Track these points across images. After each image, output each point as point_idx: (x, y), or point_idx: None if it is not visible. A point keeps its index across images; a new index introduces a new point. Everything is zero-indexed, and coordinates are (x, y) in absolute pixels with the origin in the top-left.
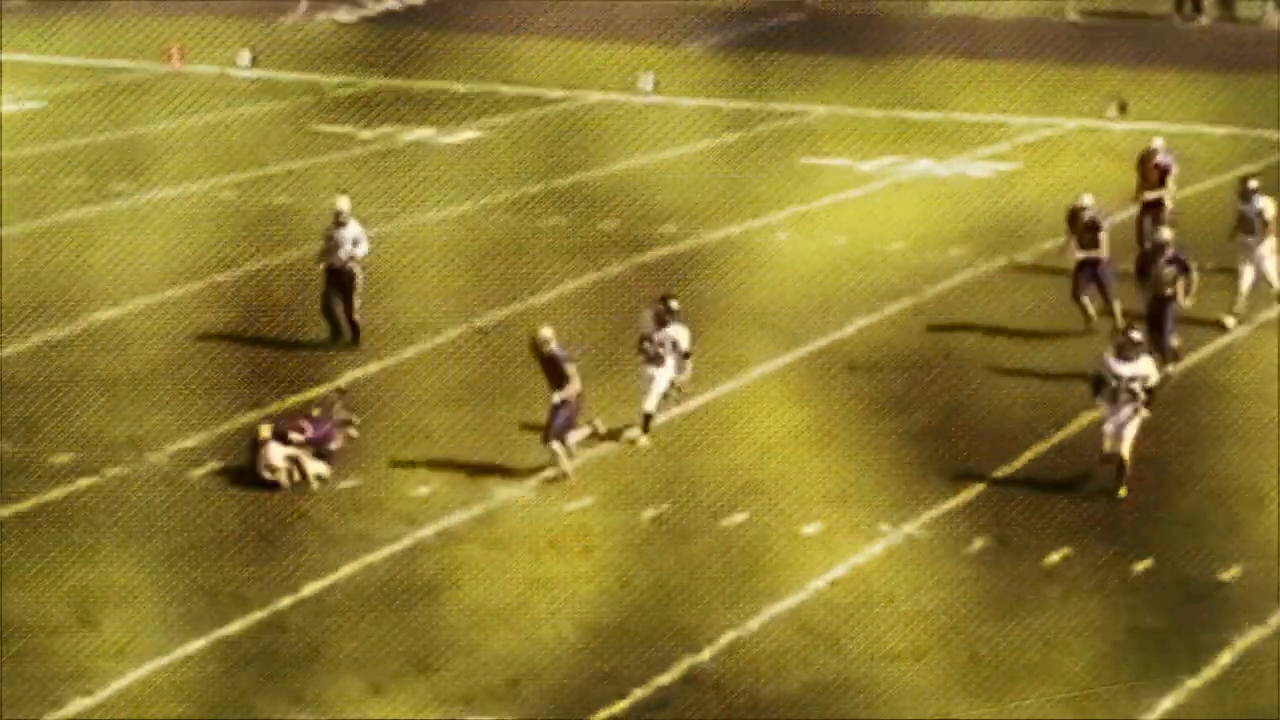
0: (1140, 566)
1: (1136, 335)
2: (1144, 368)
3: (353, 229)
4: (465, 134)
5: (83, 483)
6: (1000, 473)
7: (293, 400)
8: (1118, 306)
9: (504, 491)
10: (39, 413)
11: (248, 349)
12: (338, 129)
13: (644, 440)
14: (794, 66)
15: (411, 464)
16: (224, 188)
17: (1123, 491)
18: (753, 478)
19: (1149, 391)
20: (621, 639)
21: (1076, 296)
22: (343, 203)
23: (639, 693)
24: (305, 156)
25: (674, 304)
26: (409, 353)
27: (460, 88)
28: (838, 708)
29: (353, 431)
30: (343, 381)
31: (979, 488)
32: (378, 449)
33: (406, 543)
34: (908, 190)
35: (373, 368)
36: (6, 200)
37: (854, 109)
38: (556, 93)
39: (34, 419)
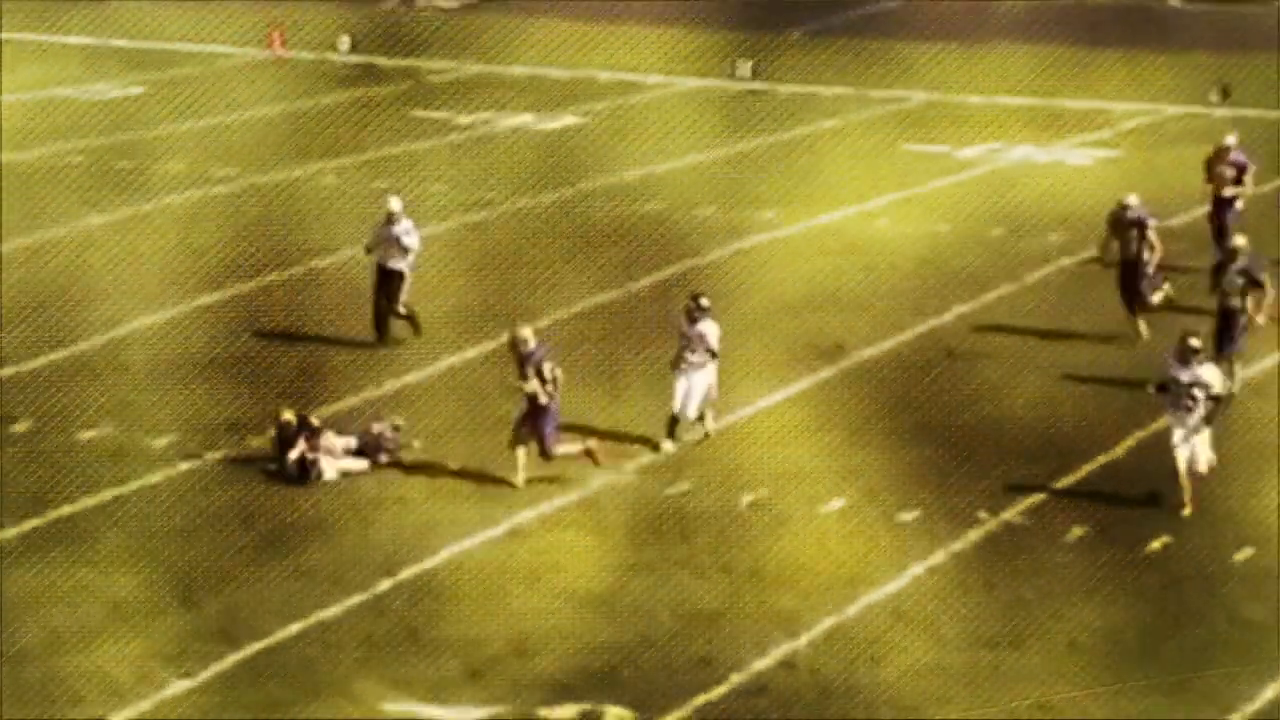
0: (1240, 556)
1: (1195, 341)
2: (1206, 375)
3: (404, 226)
4: (563, 120)
5: (183, 466)
6: (1100, 460)
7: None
8: (1144, 315)
9: (601, 476)
10: (141, 397)
11: (345, 336)
12: (437, 114)
13: (668, 445)
14: (893, 52)
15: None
16: (324, 173)
17: (1186, 511)
18: (851, 464)
19: (1213, 400)
20: (719, 624)
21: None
22: (395, 203)
23: (736, 678)
24: (404, 142)
25: (704, 301)
26: (506, 337)
27: (558, 73)
28: (935, 694)
29: (401, 454)
30: (438, 367)
31: (1078, 475)
32: (477, 433)
33: (504, 527)
34: (1008, 176)
35: (470, 352)
36: (110, 185)
37: (954, 95)
38: (654, 79)
39: (135, 403)
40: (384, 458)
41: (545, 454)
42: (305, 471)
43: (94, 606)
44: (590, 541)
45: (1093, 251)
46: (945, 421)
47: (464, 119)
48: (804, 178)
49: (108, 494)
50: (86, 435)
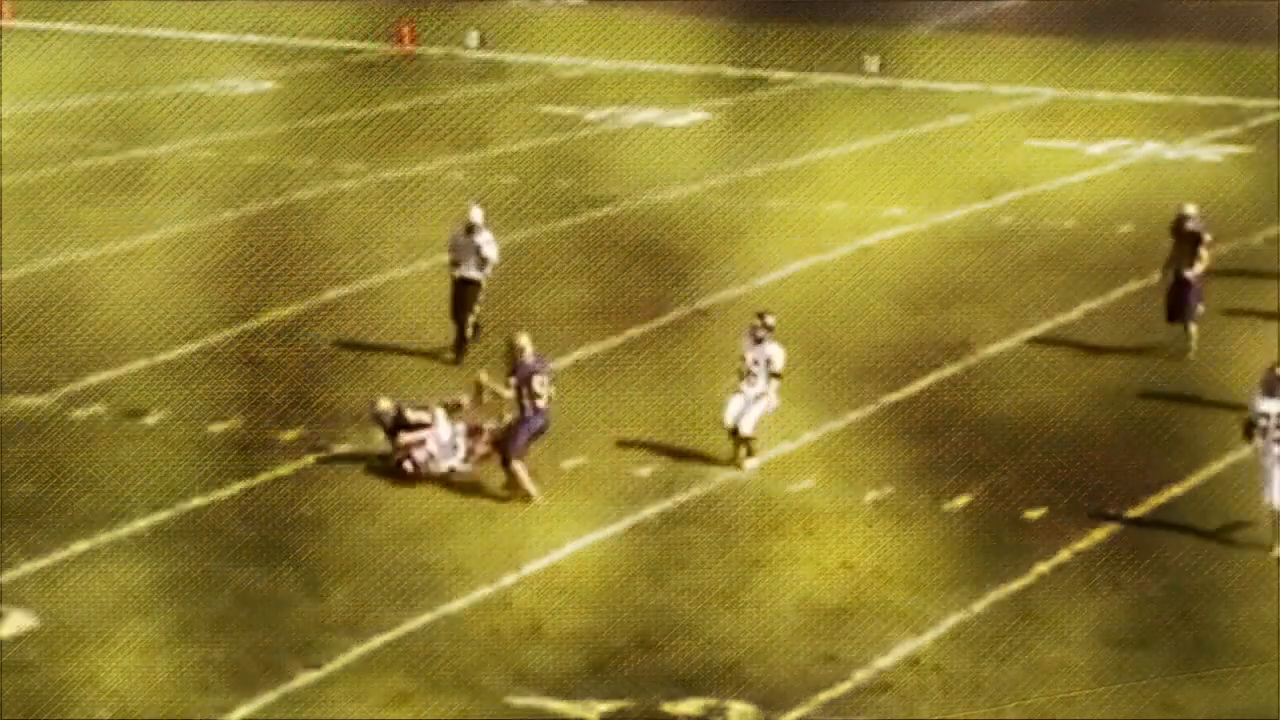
0: None
1: None
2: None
3: (484, 236)
4: (690, 115)
5: (310, 459)
6: (1229, 459)
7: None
8: (1194, 330)
9: (725, 472)
10: (270, 390)
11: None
12: (564, 110)
13: (750, 462)
14: (1020, 49)
15: (634, 444)
16: (452, 169)
17: (1276, 550)
18: (977, 461)
19: None
20: (843, 621)
21: (1172, 318)
22: (476, 213)
23: (860, 675)
24: (533, 137)
25: (769, 320)
26: (634, 332)
27: (685, 69)
28: (1060, 692)
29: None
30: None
31: (1205, 474)
32: (601, 429)
33: (628, 522)
34: (1136, 173)
35: (595, 347)
36: (240, 180)
37: (1081, 91)
38: (782, 74)
39: (265, 396)
40: (481, 450)
41: (504, 461)
42: (401, 466)
43: (222, 597)
44: (713, 537)
45: (1232, 245)
46: (1071, 419)
47: (592, 114)
48: (930, 174)
49: (236, 486)
50: (217, 428)
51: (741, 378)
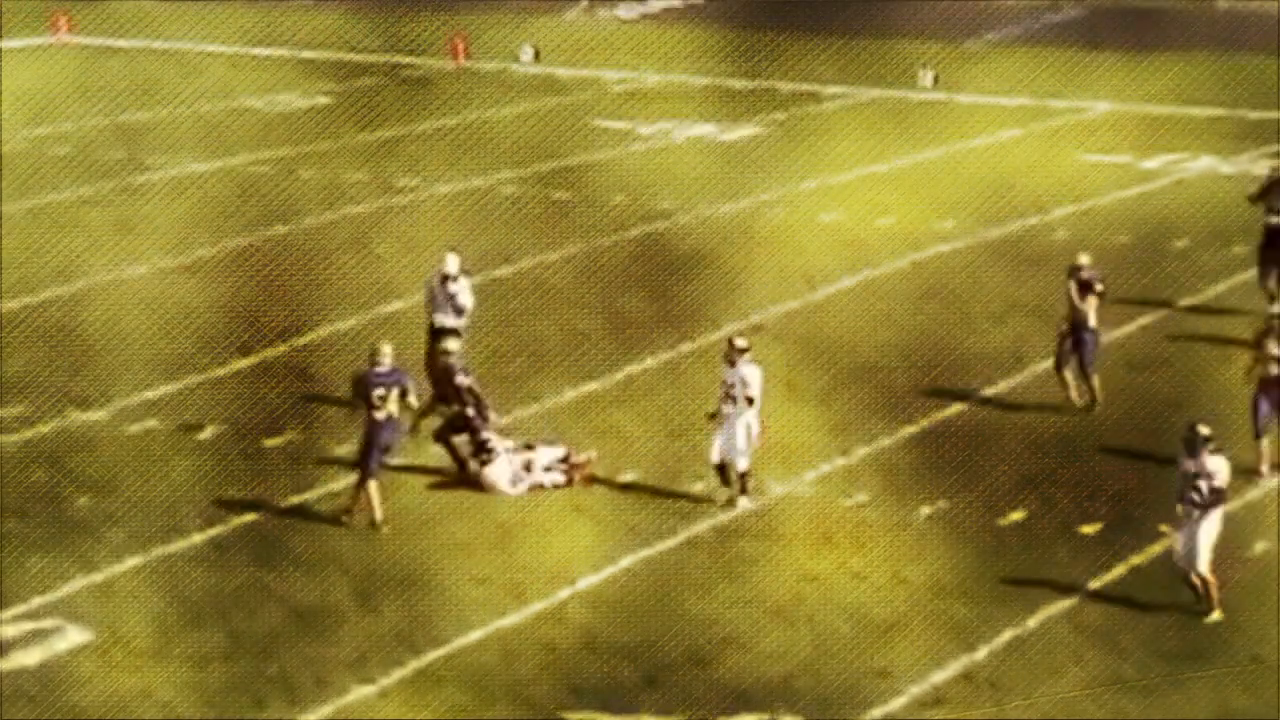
0: None
1: (1204, 429)
2: (1212, 465)
3: (460, 285)
4: (744, 130)
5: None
6: None
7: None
8: (1096, 381)
9: (779, 487)
10: (324, 403)
11: (526, 342)
12: (618, 124)
13: (744, 502)
14: (1074, 62)
15: (688, 458)
16: (505, 183)
17: (1215, 615)
18: (1031, 475)
19: (1215, 493)
20: (897, 635)
21: (1059, 368)
22: (452, 263)
23: (914, 689)
24: (586, 152)
25: (740, 342)
26: (686, 346)
27: (738, 84)
28: (1114, 707)
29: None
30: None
31: (1263, 491)
32: (655, 443)
33: (682, 537)
34: (1191, 188)
35: (648, 361)
36: (300, 194)
37: (1136, 105)
38: (834, 89)
39: (319, 409)
40: (548, 480)
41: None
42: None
43: (276, 610)
44: (766, 551)
45: None
46: (1127, 435)
47: (645, 129)
48: (983, 188)
49: (292, 499)
50: (271, 442)
51: (718, 412)
